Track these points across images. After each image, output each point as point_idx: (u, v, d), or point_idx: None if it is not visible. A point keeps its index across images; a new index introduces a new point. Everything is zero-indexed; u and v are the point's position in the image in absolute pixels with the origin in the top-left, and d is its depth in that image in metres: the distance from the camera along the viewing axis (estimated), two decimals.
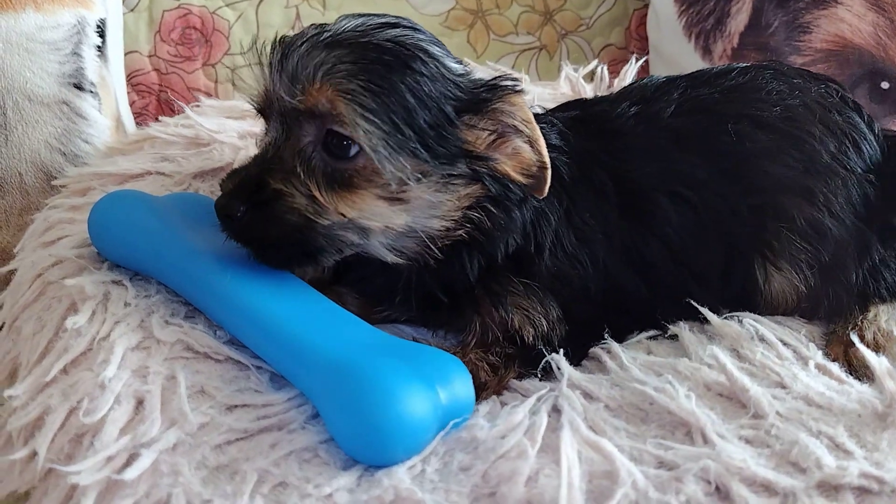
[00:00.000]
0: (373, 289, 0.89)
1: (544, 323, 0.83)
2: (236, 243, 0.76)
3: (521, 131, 0.77)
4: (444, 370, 0.70)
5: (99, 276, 0.80)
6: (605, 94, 1.14)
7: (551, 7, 1.63)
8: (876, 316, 0.87)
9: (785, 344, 0.81)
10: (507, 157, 0.78)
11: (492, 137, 0.77)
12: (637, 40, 1.67)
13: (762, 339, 0.82)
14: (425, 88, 0.74)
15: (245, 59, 0.90)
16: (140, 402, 0.68)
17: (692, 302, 0.87)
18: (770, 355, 0.78)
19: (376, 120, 0.72)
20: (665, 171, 0.89)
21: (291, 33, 0.81)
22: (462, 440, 0.67)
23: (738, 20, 1.39)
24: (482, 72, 1.01)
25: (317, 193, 0.74)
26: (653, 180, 0.89)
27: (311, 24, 0.81)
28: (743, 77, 0.96)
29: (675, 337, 0.86)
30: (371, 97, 0.72)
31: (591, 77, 1.35)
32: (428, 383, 0.66)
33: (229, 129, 1.06)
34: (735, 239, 0.89)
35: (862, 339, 0.84)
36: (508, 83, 0.78)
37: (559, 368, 0.79)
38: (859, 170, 0.90)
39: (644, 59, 1.24)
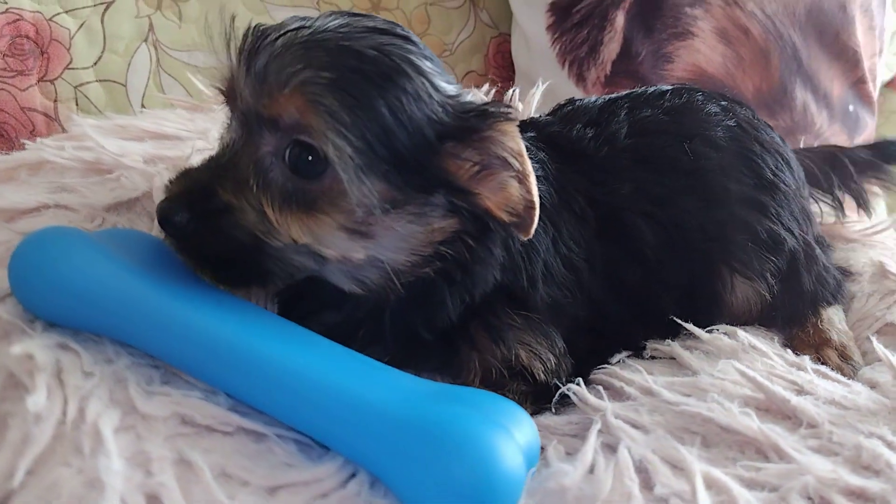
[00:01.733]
0: (339, 324, 0.76)
1: (551, 357, 0.78)
2: (179, 254, 0.67)
3: (510, 164, 0.68)
4: (509, 412, 0.62)
5: (39, 340, 0.61)
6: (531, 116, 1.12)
7: (417, 31, 1.59)
8: (829, 318, 0.93)
9: (775, 352, 0.84)
10: (492, 192, 0.69)
11: (476, 168, 0.68)
12: (496, 67, 1.69)
13: (753, 349, 0.83)
14: (407, 108, 0.65)
15: (206, 32, 0.72)
16: (155, 500, 0.53)
17: (675, 319, 0.88)
18: (776, 364, 0.80)
19: (349, 136, 0.63)
20: (635, 192, 0.89)
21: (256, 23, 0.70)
22: (551, 491, 0.60)
23: (611, 48, 1.45)
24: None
25: (269, 211, 0.65)
26: (626, 201, 0.89)
27: (293, 17, 0.70)
28: (679, 99, 1.00)
29: (651, 357, 0.87)
30: (346, 111, 0.63)
31: None
32: (506, 429, 0.59)
33: (132, 153, 0.88)
34: (703, 253, 0.91)
35: (829, 341, 0.90)
36: (500, 109, 0.69)
37: (580, 400, 0.75)
38: (793, 185, 0.97)
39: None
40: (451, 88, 0.70)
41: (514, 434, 0.59)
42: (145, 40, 1.30)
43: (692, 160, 0.92)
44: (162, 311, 0.62)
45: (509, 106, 0.71)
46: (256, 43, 0.67)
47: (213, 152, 0.71)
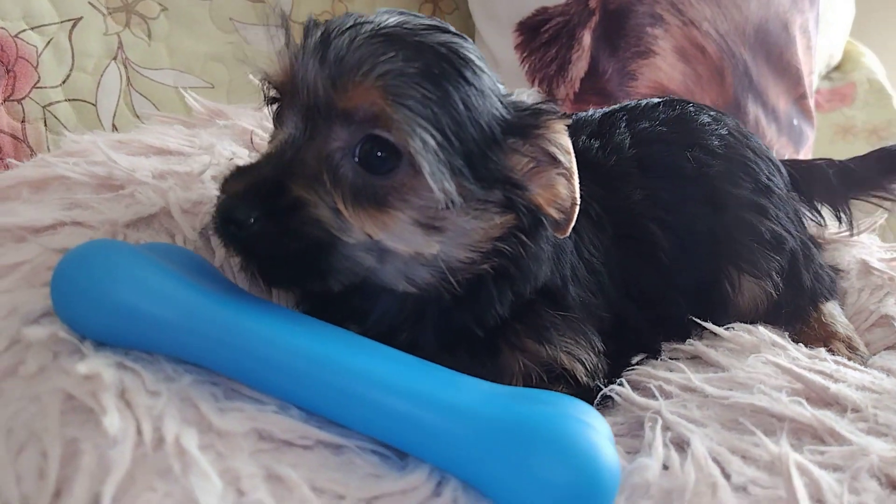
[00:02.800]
0: (380, 325, 0.74)
1: (591, 356, 0.79)
2: (237, 257, 0.65)
3: (559, 162, 0.70)
4: (587, 410, 0.62)
5: (98, 360, 0.57)
6: None
7: None
8: (830, 313, 0.98)
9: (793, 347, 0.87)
10: (542, 189, 0.71)
11: (531, 165, 0.70)
12: None
13: (774, 344, 0.86)
14: (475, 102, 0.66)
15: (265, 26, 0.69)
16: None
17: (694, 319, 0.90)
18: (800, 357, 0.83)
19: (432, 130, 0.63)
20: (646, 199, 0.92)
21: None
22: (637, 486, 0.61)
23: (579, 67, 1.49)
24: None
25: (342, 207, 0.64)
26: (639, 207, 0.91)
27: (346, 13, 0.70)
28: (672, 110, 1.03)
29: (670, 358, 0.88)
30: (428, 105, 0.63)
31: None
32: (595, 426, 0.59)
33: (142, 168, 0.84)
34: (711, 255, 0.94)
35: (835, 334, 0.94)
36: (554, 108, 0.72)
37: (624, 400, 0.76)
38: (784, 188, 1.02)
39: None
40: (502, 88, 0.72)
41: (602, 431, 0.59)
42: (115, 58, 1.24)
43: (695, 167, 0.95)
44: (228, 326, 0.59)
45: (559, 106, 0.72)
46: (326, 35, 0.65)
47: (269, 150, 0.67)
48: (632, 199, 0.91)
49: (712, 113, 1.06)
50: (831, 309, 0.99)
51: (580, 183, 0.85)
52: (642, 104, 1.06)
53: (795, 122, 1.72)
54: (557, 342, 0.77)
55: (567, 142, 0.70)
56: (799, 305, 0.97)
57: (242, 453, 0.54)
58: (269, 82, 0.71)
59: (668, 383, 0.79)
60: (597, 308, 0.83)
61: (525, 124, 0.70)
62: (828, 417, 0.69)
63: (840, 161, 1.12)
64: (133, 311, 0.58)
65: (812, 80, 1.80)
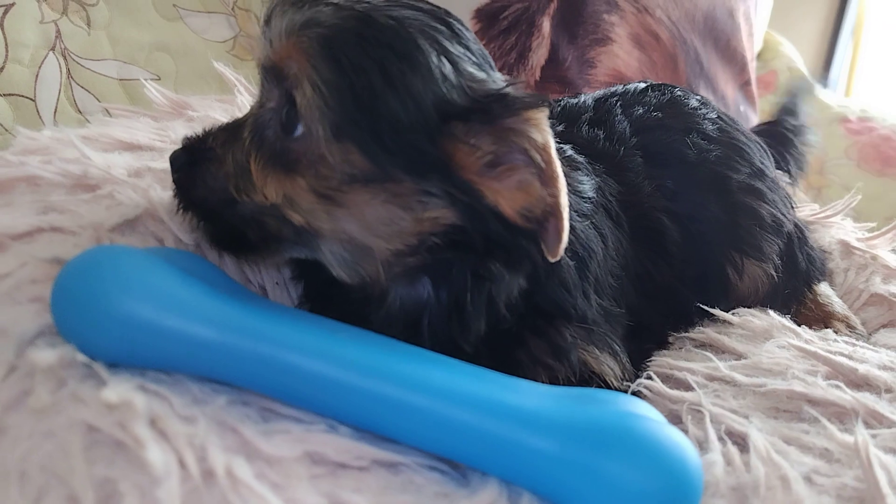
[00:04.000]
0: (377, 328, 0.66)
1: (616, 368, 0.74)
2: (177, 199, 0.67)
3: (534, 160, 0.59)
4: (648, 407, 0.59)
5: (123, 384, 0.49)
6: None
7: None
8: (824, 293, 0.98)
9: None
10: (507, 190, 0.60)
11: (488, 158, 0.60)
12: None
13: (785, 327, 0.86)
14: (408, 80, 0.58)
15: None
16: None
17: (704, 307, 0.88)
18: (812, 338, 0.82)
19: (325, 92, 0.58)
20: (655, 190, 0.89)
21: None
22: (707, 485, 0.57)
23: (539, 55, 1.46)
24: None
25: (252, 166, 0.63)
26: (649, 200, 0.88)
27: None
28: (662, 95, 1.02)
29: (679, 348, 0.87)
30: (332, 67, 0.58)
31: None
32: (670, 426, 0.55)
33: (117, 165, 0.75)
34: (715, 242, 0.93)
35: (833, 314, 0.95)
36: (527, 95, 0.60)
37: (654, 394, 0.73)
38: (773, 171, 1.02)
39: None
40: (480, 74, 0.62)
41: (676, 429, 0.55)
42: (52, 49, 1.13)
43: (696, 153, 0.94)
44: (264, 338, 0.53)
45: (541, 94, 0.62)
46: (273, 8, 0.64)
47: None
48: (643, 191, 0.88)
49: (697, 97, 1.05)
50: (825, 289, 0.99)
51: (598, 177, 0.82)
52: (630, 89, 1.04)
53: (742, 108, 1.75)
54: (577, 358, 0.71)
55: (543, 136, 0.59)
56: (795, 287, 0.98)
57: (300, 481, 0.48)
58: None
59: (692, 373, 0.77)
60: (621, 317, 0.79)
61: (484, 111, 0.59)
62: (868, 399, 0.68)
63: (779, 119, 1.17)
64: (153, 325, 0.51)
65: (754, 67, 1.83)
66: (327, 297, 0.71)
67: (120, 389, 0.48)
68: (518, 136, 0.59)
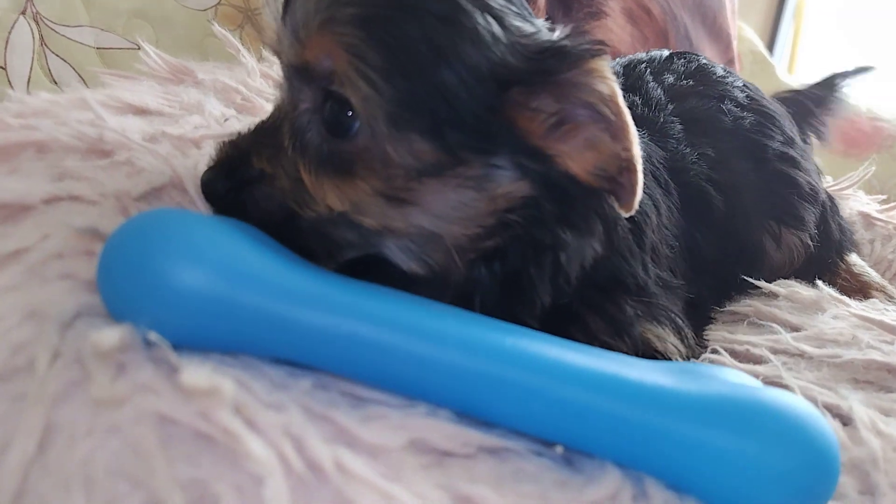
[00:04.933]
0: None
1: (682, 345, 0.70)
2: None
3: (601, 114, 0.54)
4: (751, 379, 0.54)
5: (201, 368, 0.42)
6: None
7: None
8: (856, 263, 0.96)
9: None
10: (576, 150, 0.55)
11: (552, 121, 0.55)
12: None
13: (833, 297, 0.83)
14: (460, 49, 0.52)
15: None
16: None
17: (748, 279, 0.85)
18: (866, 308, 0.80)
19: (379, 81, 0.51)
20: (698, 158, 0.85)
21: None
22: None
23: None
24: None
25: (305, 177, 0.55)
26: (694, 167, 0.84)
27: None
28: (689, 62, 0.98)
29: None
30: (376, 50, 0.51)
31: None
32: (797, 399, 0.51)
33: (131, 130, 0.66)
34: (755, 210, 0.90)
35: (869, 284, 0.93)
36: (584, 44, 0.54)
37: None
38: (802, 140, 0.99)
39: None
40: (528, 27, 0.56)
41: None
42: (23, 13, 1.02)
43: (731, 121, 0.90)
44: (355, 315, 0.46)
45: (598, 41, 0.56)
46: None
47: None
48: (687, 159, 0.83)
49: (721, 66, 1.02)
50: (856, 259, 0.98)
51: (646, 145, 0.77)
52: (655, 56, 1.00)
53: None
54: (639, 334, 0.66)
55: (610, 87, 0.54)
56: (829, 257, 0.95)
57: (413, 473, 0.42)
58: (273, 52, 0.62)
59: (754, 346, 0.73)
60: (680, 289, 0.74)
61: (541, 69, 0.54)
62: None
63: (803, 89, 1.14)
64: (226, 300, 0.44)
65: (735, 45, 1.82)
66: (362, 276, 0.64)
67: (201, 374, 0.40)
68: (582, 91, 0.54)
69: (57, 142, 0.60)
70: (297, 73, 0.56)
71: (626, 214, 0.59)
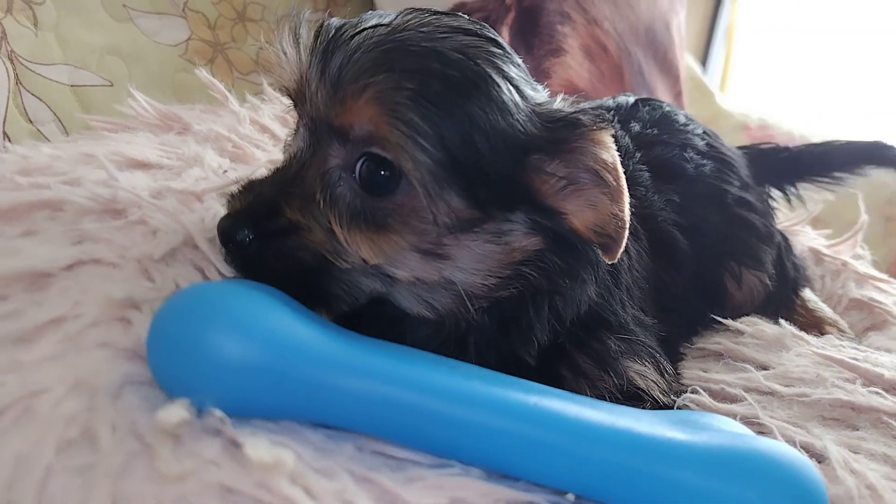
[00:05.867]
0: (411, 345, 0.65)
1: (660, 379, 0.75)
2: (241, 274, 0.60)
3: (603, 180, 0.61)
4: (742, 426, 0.59)
5: (260, 439, 0.44)
6: None
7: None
8: (811, 299, 1.04)
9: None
10: (579, 209, 0.62)
11: (562, 184, 0.61)
12: None
13: (794, 335, 0.89)
14: (491, 118, 0.58)
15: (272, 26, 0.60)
16: None
17: (717, 318, 0.91)
18: (824, 345, 0.86)
19: (429, 148, 0.56)
20: (665, 204, 0.91)
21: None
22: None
23: None
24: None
25: (337, 230, 0.59)
26: (662, 213, 0.90)
27: (370, 13, 0.63)
28: (653, 110, 1.04)
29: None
30: (426, 121, 0.56)
31: None
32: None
33: (139, 187, 0.68)
34: (717, 253, 0.96)
35: (823, 319, 1.00)
36: (594, 117, 0.62)
37: (700, 408, 0.74)
38: (756, 184, 1.06)
39: None
40: (538, 96, 0.64)
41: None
42: None
43: (693, 168, 0.96)
44: (393, 381, 0.49)
45: (602, 114, 0.64)
46: (331, 42, 0.59)
47: (279, 163, 0.64)
48: (655, 205, 0.89)
49: (681, 112, 1.08)
50: (810, 295, 1.04)
51: None
52: (622, 103, 1.05)
53: None
54: (623, 369, 0.71)
55: (612, 156, 0.61)
56: (786, 295, 1.02)
57: None
58: (285, 91, 0.65)
59: (729, 385, 0.79)
60: (653, 327, 0.79)
61: (555, 139, 0.60)
62: None
63: (787, 147, 1.18)
64: (276, 371, 0.47)
65: (683, 78, 1.91)
66: (356, 316, 0.67)
67: (263, 446, 0.43)
68: (587, 158, 0.61)
69: (71, 202, 0.61)
70: (331, 131, 0.59)
71: (609, 262, 0.65)
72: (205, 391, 0.46)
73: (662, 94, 1.75)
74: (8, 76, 1.02)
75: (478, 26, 0.63)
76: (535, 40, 1.51)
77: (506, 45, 0.64)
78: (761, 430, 0.69)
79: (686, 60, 2.54)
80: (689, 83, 2.51)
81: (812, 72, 3.11)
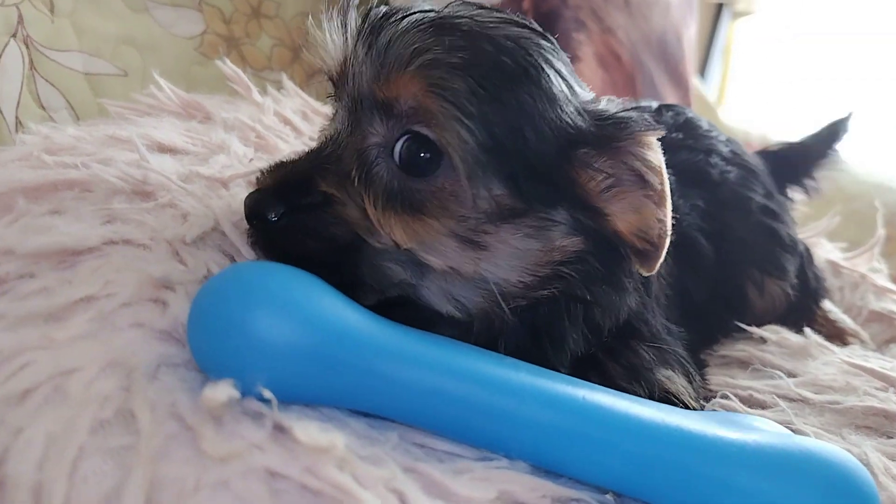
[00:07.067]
0: None
1: (691, 387, 0.73)
2: (263, 254, 0.57)
3: (649, 183, 0.59)
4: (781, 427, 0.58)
5: (310, 423, 0.42)
6: None
7: (296, 42, 1.45)
8: (832, 310, 1.03)
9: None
10: (623, 213, 0.60)
11: (608, 182, 0.59)
12: None
13: (820, 345, 0.88)
14: (540, 106, 0.56)
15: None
16: None
17: (742, 325, 0.90)
18: (850, 354, 0.85)
19: (475, 128, 0.54)
20: (691, 209, 0.90)
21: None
22: None
23: None
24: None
25: (370, 209, 0.56)
26: (687, 219, 0.88)
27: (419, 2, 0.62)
28: (677, 115, 1.03)
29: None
30: (474, 99, 0.54)
31: None
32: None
33: (169, 170, 0.66)
34: (741, 261, 0.94)
35: (845, 330, 0.99)
36: (643, 119, 0.60)
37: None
38: (779, 193, 1.05)
39: None
40: (586, 94, 0.63)
41: None
42: (14, 35, 0.99)
43: (718, 174, 0.95)
44: (445, 372, 0.47)
45: (650, 118, 0.62)
46: (380, 21, 0.58)
47: (312, 146, 0.62)
48: (681, 210, 0.87)
49: (703, 119, 1.07)
50: (831, 306, 1.03)
51: None
52: (644, 107, 1.04)
53: None
54: (655, 380, 0.68)
55: (659, 158, 0.59)
56: (807, 305, 1.01)
57: None
58: (327, 75, 0.63)
59: (758, 392, 0.77)
60: (679, 334, 0.78)
61: (604, 135, 0.59)
62: None
63: (793, 142, 1.17)
64: (320, 355, 0.45)
65: (692, 92, 1.91)
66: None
67: (315, 430, 0.41)
68: (634, 160, 0.59)
69: (100, 182, 0.59)
70: (374, 106, 0.57)
71: (646, 274, 0.62)
72: (249, 374, 0.44)
73: None
74: (23, 61, 1.00)
75: (528, 21, 0.62)
76: None
77: (555, 41, 0.63)
78: None
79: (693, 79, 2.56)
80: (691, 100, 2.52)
81: (811, 88, 3.12)
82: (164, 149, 0.72)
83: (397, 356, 0.46)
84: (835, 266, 1.14)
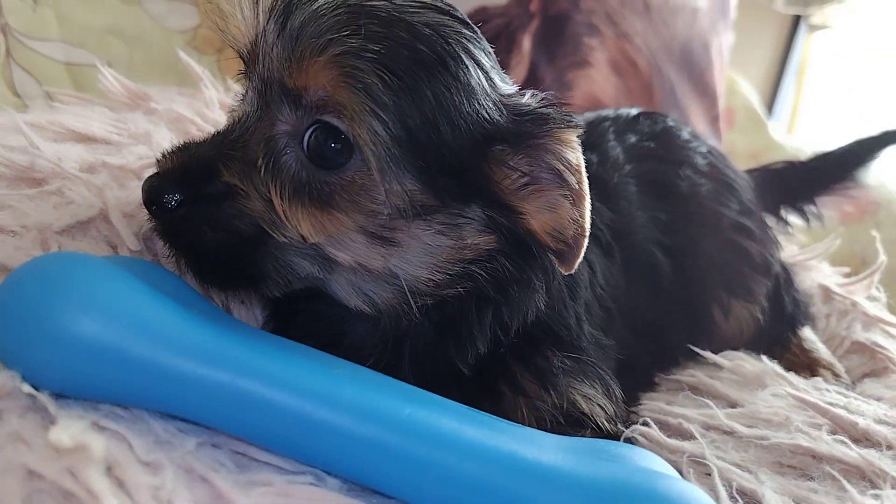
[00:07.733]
0: (353, 355, 0.58)
1: (609, 404, 0.68)
2: (163, 242, 0.55)
3: (566, 181, 0.57)
4: (661, 462, 0.54)
5: (75, 422, 0.41)
6: None
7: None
8: (808, 338, 0.96)
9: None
10: (538, 211, 0.57)
11: (523, 181, 0.57)
12: None
13: (777, 374, 0.82)
14: (456, 99, 0.54)
15: None
16: None
17: (695, 349, 0.85)
18: (805, 387, 0.79)
19: (388, 120, 0.51)
20: (649, 221, 0.85)
21: None
22: None
23: (517, 73, 1.42)
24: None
25: (276, 200, 0.54)
26: (643, 231, 0.84)
27: None
28: (654, 124, 0.98)
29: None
30: (387, 92, 0.51)
31: None
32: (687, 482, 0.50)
33: (68, 158, 0.66)
34: (705, 279, 0.89)
35: (818, 360, 0.92)
36: (562, 115, 0.57)
37: (651, 442, 0.67)
38: (761, 211, 0.99)
39: None
40: (506, 87, 0.59)
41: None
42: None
43: (688, 186, 0.90)
44: (248, 373, 0.45)
45: (570, 113, 0.59)
46: (294, 1, 0.55)
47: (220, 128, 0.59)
48: (636, 221, 0.83)
49: (688, 129, 1.01)
50: (809, 334, 0.96)
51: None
52: (622, 114, 0.99)
53: (710, 142, 1.74)
54: (565, 389, 0.65)
55: (577, 157, 0.57)
56: (781, 331, 0.95)
57: None
58: (235, 50, 0.59)
59: (688, 420, 0.72)
60: (611, 349, 0.74)
61: (522, 131, 0.56)
62: (872, 456, 0.65)
63: (801, 161, 1.10)
64: (114, 352, 0.43)
65: (722, 103, 1.83)
66: (293, 314, 0.63)
67: (73, 429, 0.39)
68: (552, 157, 0.57)
69: None
70: (283, 93, 0.54)
71: (565, 273, 0.60)
72: (42, 365, 0.42)
73: (696, 116, 1.68)
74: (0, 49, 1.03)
75: (451, 7, 0.59)
76: (558, 50, 1.46)
77: (478, 30, 0.60)
78: (706, 470, 0.63)
79: (742, 89, 2.46)
80: (742, 112, 2.42)
81: (886, 104, 2.95)
82: (78, 137, 0.72)
83: (199, 357, 0.44)
84: (826, 291, 1.06)
